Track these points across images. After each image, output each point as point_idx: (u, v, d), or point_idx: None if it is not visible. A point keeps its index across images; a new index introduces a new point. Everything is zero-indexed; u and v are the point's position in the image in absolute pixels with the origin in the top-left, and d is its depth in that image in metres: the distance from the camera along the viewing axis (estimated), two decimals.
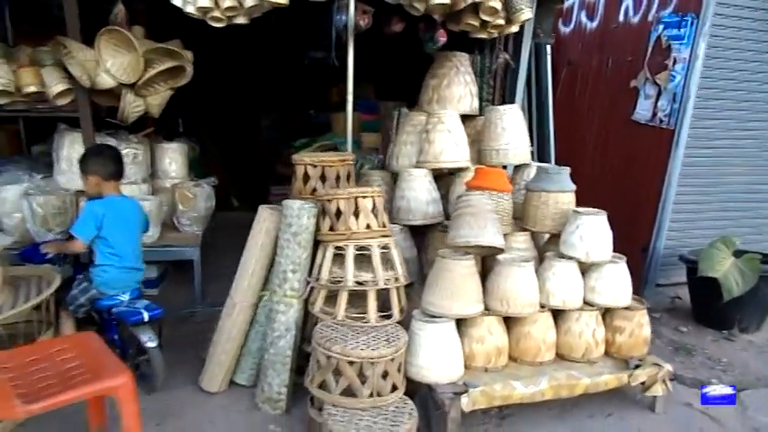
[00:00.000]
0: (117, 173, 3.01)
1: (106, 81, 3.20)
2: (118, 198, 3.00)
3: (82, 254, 3.25)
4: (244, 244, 5.61)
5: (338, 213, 2.74)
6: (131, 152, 3.94)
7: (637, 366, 2.95)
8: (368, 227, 2.73)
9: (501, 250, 2.85)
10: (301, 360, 2.89)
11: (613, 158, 5.02)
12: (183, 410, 2.82)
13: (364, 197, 2.74)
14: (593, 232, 2.93)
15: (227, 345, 2.90)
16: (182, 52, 3.36)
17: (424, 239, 3.44)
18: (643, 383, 2.95)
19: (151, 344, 2.85)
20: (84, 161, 2.98)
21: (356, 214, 2.73)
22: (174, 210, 4.20)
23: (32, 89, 3.21)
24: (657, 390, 2.95)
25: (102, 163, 2.94)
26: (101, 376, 2.07)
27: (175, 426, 2.69)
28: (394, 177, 3.68)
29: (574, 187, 3.15)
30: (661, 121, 4.51)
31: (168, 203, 4.22)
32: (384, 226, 2.83)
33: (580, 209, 3.02)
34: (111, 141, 3.84)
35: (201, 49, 4.04)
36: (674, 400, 3.09)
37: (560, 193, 3.10)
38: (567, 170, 3.16)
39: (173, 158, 4.44)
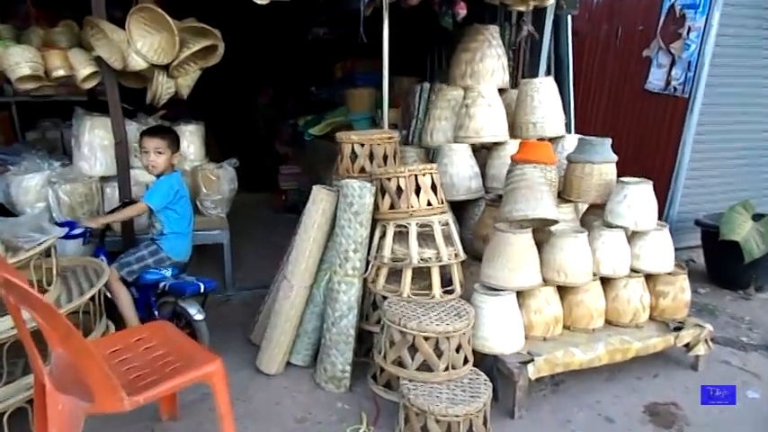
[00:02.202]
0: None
1: (138, 63, 3.08)
2: (178, 172, 3.21)
3: (103, 233, 3.32)
4: (256, 225, 5.52)
5: (398, 191, 2.74)
6: None
7: (676, 328, 3.08)
8: (428, 203, 2.74)
9: (555, 222, 2.90)
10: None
11: (625, 128, 5.08)
12: (248, 394, 2.82)
13: (424, 174, 2.75)
14: (640, 201, 3.00)
15: (287, 325, 2.89)
16: (213, 30, 3.25)
17: (464, 214, 3.47)
18: (686, 345, 3.09)
19: (199, 316, 2.93)
20: (162, 137, 3.08)
21: (417, 192, 2.73)
22: (198, 193, 4.12)
23: (61, 73, 3.06)
24: (700, 349, 3.08)
25: (175, 138, 3.16)
26: (194, 364, 2.05)
27: (246, 409, 2.68)
28: (427, 153, 3.69)
29: (616, 158, 3.21)
30: (675, 89, 4.60)
31: (189, 187, 4.12)
32: (442, 202, 2.84)
33: (626, 178, 3.08)
34: (133, 125, 3.74)
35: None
36: (712, 359, 3.23)
37: (604, 164, 3.14)
38: (609, 141, 3.21)
39: (190, 141, 4.30)
